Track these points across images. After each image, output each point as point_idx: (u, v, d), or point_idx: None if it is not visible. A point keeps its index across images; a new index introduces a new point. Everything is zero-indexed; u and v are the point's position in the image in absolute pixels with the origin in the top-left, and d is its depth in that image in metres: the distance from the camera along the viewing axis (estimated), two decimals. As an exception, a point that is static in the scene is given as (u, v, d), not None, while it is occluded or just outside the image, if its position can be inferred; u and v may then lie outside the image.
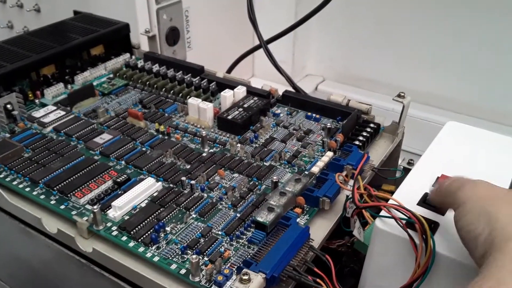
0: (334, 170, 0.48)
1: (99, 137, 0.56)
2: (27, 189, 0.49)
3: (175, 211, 0.46)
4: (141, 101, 0.63)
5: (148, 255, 0.41)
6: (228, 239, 0.42)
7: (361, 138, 0.54)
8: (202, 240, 0.42)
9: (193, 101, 0.59)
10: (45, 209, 0.47)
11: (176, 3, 0.95)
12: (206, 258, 0.40)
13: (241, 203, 0.46)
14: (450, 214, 0.35)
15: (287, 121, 0.59)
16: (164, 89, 0.66)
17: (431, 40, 1.05)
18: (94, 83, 0.67)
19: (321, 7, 0.88)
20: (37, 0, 1.08)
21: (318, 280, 0.37)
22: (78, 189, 0.48)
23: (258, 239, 0.42)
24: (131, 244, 0.42)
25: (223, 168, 0.51)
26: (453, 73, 1.05)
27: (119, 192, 0.48)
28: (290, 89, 0.79)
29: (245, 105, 0.59)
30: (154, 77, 0.68)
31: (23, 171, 0.50)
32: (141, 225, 0.43)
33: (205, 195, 0.48)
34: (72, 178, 0.49)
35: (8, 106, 0.59)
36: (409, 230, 0.36)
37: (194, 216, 0.45)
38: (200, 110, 0.58)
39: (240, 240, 0.42)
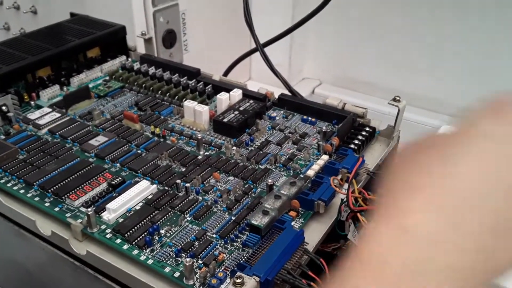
0: (329, 173, 0.48)
1: (94, 139, 0.56)
2: (22, 191, 0.49)
3: (169, 213, 0.46)
4: (137, 103, 0.63)
5: (142, 257, 0.41)
6: (223, 242, 0.42)
7: (356, 141, 0.54)
8: (196, 243, 0.42)
9: (189, 103, 0.59)
10: (40, 211, 0.47)
11: (173, 5, 0.95)
12: (200, 261, 0.40)
13: (236, 206, 0.46)
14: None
15: (283, 124, 0.59)
16: (160, 91, 0.66)
17: (427, 44, 1.05)
18: (90, 85, 0.67)
19: (318, 11, 0.88)
20: (33, 2, 1.08)
21: (312, 283, 0.37)
22: (73, 191, 0.48)
23: (253, 242, 0.42)
24: (125, 246, 0.42)
25: (218, 171, 0.51)
26: (449, 76, 1.06)
27: (114, 195, 0.48)
28: (287, 92, 0.79)
29: (241, 108, 0.60)
30: (150, 79, 0.68)
31: (18, 173, 0.50)
32: (136, 227, 0.43)
33: (200, 198, 0.48)
34: (66, 180, 0.49)
35: (3, 107, 0.58)
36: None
37: (188, 219, 0.45)
38: (196, 113, 0.58)
39: (235, 243, 0.42)
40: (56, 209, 0.46)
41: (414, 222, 0.25)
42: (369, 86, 1.17)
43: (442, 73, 1.06)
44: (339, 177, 0.48)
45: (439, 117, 1.06)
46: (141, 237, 0.42)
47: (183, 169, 0.52)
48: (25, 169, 0.51)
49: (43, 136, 0.57)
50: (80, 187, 0.48)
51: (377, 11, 1.09)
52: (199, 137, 0.54)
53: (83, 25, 0.74)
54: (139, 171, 0.51)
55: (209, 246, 0.42)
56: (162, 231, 0.43)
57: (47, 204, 0.47)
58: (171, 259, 0.41)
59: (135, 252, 0.41)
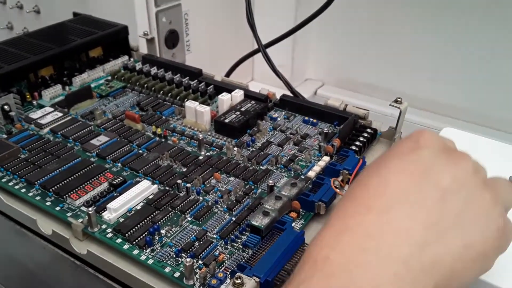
0: (331, 174, 0.48)
1: (96, 139, 0.56)
2: (23, 190, 0.49)
3: (170, 214, 0.46)
4: (139, 103, 0.64)
5: (143, 257, 0.41)
6: (223, 243, 0.42)
7: (358, 143, 0.54)
8: (196, 243, 0.42)
9: (190, 104, 0.59)
10: (41, 211, 0.47)
11: (175, 6, 0.95)
12: (200, 262, 0.40)
13: (236, 206, 0.46)
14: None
15: (284, 125, 0.59)
16: (161, 91, 0.66)
17: (429, 46, 1.05)
18: (92, 85, 0.67)
19: (320, 12, 0.88)
20: (37, 1, 1.08)
21: (312, 285, 0.37)
22: (74, 190, 0.48)
23: (253, 243, 0.41)
24: (126, 246, 0.42)
25: (219, 172, 0.51)
26: (451, 79, 1.05)
27: (115, 194, 0.48)
28: (289, 93, 0.79)
29: (243, 109, 0.60)
30: (152, 79, 0.68)
31: (19, 172, 0.50)
32: (136, 227, 0.43)
33: (201, 198, 0.48)
34: (68, 180, 0.49)
35: (5, 107, 0.59)
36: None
37: (189, 219, 0.45)
38: (197, 113, 0.59)
39: (235, 244, 0.42)
40: (57, 208, 0.46)
41: (353, 223, 0.29)
42: (372, 88, 1.17)
43: (444, 75, 1.06)
44: (340, 178, 0.48)
45: (441, 118, 1.06)
46: (141, 237, 0.42)
47: (184, 169, 0.52)
48: (26, 168, 0.51)
49: (45, 135, 0.58)
50: (81, 186, 0.48)
51: (379, 13, 1.09)
52: (200, 138, 0.55)
53: (86, 25, 0.74)
54: (140, 171, 0.51)
55: (209, 247, 0.42)
56: (163, 231, 0.44)
57: (48, 203, 0.47)
58: (171, 259, 0.41)
59: (136, 252, 0.41)
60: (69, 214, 0.46)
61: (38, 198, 0.48)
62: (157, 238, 0.43)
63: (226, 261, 0.41)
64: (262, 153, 0.54)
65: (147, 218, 0.45)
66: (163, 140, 0.57)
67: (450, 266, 0.28)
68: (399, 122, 0.56)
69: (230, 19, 1.12)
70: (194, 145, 0.56)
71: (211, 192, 0.48)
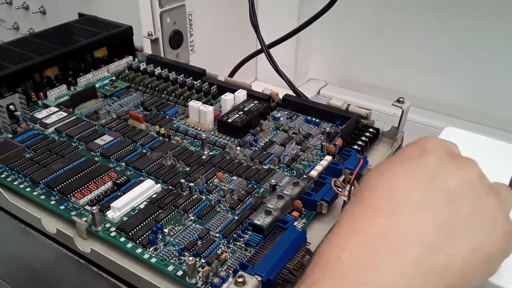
0: (333, 174, 0.49)
1: (100, 139, 0.56)
2: (28, 189, 0.49)
3: (173, 213, 0.46)
4: (143, 103, 0.64)
5: (146, 256, 0.41)
6: (226, 242, 0.43)
7: (360, 142, 0.54)
8: (199, 242, 0.42)
9: (193, 104, 0.59)
10: (45, 209, 0.48)
11: (179, 6, 0.96)
12: (203, 260, 0.41)
13: (239, 205, 0.47)
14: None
15: (287, 125, 0.60)
16: (165, 91, 0.66)
17: (432, 46, 1.05)
18: (97, 85, 0.68)
19: (323, 12, 0.88)
20: (42, 2, 1.09)
21: (313, 283, 0.38)
22: (78, 190, 0.48)
23: (255, 242, 0.42)
24: (129, 245, 0.42)
25: (222, 171, 0.51)
26: (453, 78, 1.05)
27: (119, 194, 0.48)
28: (292, 93, 0.79)
29: (245, 109, 0.60)
30: (156, 79, 0.69)
31: (24, 171, 0.51)
32: (140, 226, 0.44)
33: (204, 197, 0.48)
34: (72, 179, 0.50)
35: (11, 106, 0.59)
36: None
37: (192, 218, 0.46)
38: (201, 113, 0.59)
39: (237, 243, 0.43)
40: (62, 207, 0.47)
41: (363, 226, 0.29)
42: (374, 88, 1.17)
43: (446, 75, 1.06)
44: (341, 178, 0.48)
45: (443, 118, 1.06)
46: (145, 235, 0.43)
47: (187, 169, 0.52)
48: (31, 167, 0.51)
49: (50, 135, 0.58)
50: (85, 185, 0.49)
51: (382, 13, 1.09)
52: (203, 137, 0.55)
53: (91, 25, 0.75)
54: (143, 170, 0.51)
55: (212, 245, 0.42)
56: (166, 230, 0.44)
57: (52, 202, 0.47)
58: (174, 258, 0.41)
59: (139, 250, 0.42)
60: (73, 213, 0.46)
61: (42, 197, 0.48)
62: (160, 237, 0.43)
63: (229, 260, 0.41)
64: (265, 152, 0.54)
65: (151, 217, 0.45)
66: (166, 139, 0.57)
67: (461, 269, 0.28)
68: (401, 122, 0.56)
69: (234, 20, 1.12)
70: (197, 145, 0.56)
71: (214, 191, 0.49)
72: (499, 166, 0.44)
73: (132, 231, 0.43)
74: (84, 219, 0.45)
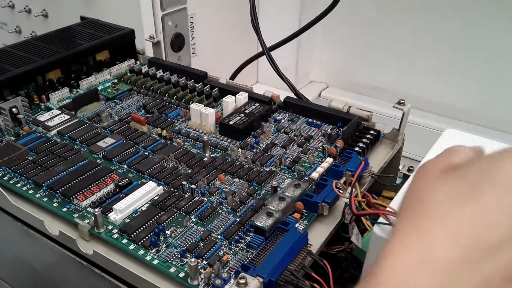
0: (334, 176, 0.49)
1: (102, 141, 0.57)
2: (30, 191, 0.49)
3: (175, 215, 0.46)
4: (145, 106, 0.64)
5: (148, 258, 0.41)
6: (227, 243, 0.43)
7: (361, 144, 0.54)
8: (201, 243, 0.43)
9: (195, 106, 0.60)
10: (48, 212, 0.48)
11: (181, 9, 0.96)
12: (205, 262, 0.41)
13: (240, 207, 0.47)
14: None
15: (288, 127, 0.60)
16: (167, 94, 0.66)
17: (432, 48, 1.05)
18: (99, 88, 0.68)
19: (324, 14, 0.88)
20: (44, 5, 1.09)
21: (315, 285, 0.38)
22: (81, 192, 0.49)
23: (257, 243, 0.42)
24: (131, 247, 0.43)
25: (223, 173, 0.52)
26: (454, 80, 1.06)
27: (121, 196, 0.48)
28: (293, 95, 0.79)
29: (247, 111, 0.60)
30: (158, 82, 0.69)
31: (27, 173, 0.51)
32: (142, 228, 0.44)
33: (205, 199, 0.48)
34: (74, 181, 0.50)
35: (14, 109, 0.59)
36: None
37: (194, 220, 0.46)
38: (202, 116, 0.59)
39: (239, 244, 0.43)
40: (64, 209, 0.47)
41: (433, 255, 0.25)
42: (375, 90, 1.17)
43: (446, 77, 1.06)
44: (343, 180, 0.48)
45: (444, 120, 1.06)
46: (147, 237, 0.43)
47: (189, 171, 0.52)
48: (34, 170, 0.52)
49: (52, 137, 0.58)
50: (87, 188, 0.49)
51: (383, 16, 1.10)
52: (205, 139, 0.55)
53: (93, 28, 0.75)
54: (145, 173, 0.52)
55: (213, 247, 0.42)
56: (168, 232, 0.44)
57: (55, 205, 0.48)
58: (176, 260, 0.41)
59: (141, 252, 0.42)
60: (75, 215, 0.46)
61: (45, 199, 0.48)
62: (162, 238, 0.43)
63: (230, 262, 0.41)
64: (266, 154, 0.54)
65: (153, 219, 0.45)
66: (168, 142, 0.57)
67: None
68: (402, 124, 0.56)
69: (235, 23, 1.12)
70: (199, 147, 0.56)
71: (216, 193, 0.49)
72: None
73: (134, 233, 0.43)
74: (87, 221, 0.45)
